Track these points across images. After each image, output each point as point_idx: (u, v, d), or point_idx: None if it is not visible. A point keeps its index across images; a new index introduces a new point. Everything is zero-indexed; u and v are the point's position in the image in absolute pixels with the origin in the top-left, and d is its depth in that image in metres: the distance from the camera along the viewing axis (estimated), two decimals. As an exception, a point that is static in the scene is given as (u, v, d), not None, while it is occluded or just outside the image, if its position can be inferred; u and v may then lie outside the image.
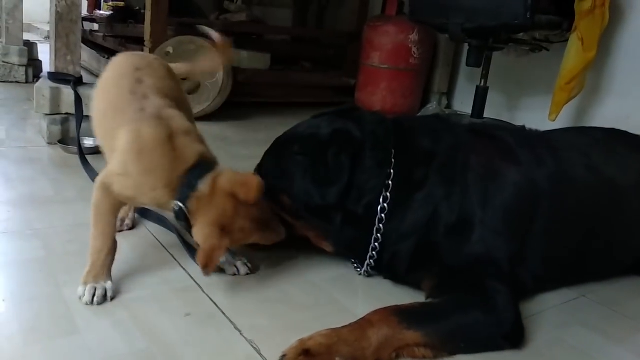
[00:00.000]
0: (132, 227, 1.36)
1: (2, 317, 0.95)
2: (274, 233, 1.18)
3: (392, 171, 1.14)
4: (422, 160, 1.17)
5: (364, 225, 1.16)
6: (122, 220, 1.34)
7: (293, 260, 1.30)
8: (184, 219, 1.04)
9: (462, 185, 1.14)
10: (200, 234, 1.03)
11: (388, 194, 1.14)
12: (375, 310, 0.99)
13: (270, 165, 1.26)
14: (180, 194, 1.03)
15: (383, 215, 1.14)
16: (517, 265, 1.15)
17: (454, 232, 1.12)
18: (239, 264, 1.21)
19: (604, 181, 1.28)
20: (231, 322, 1.02)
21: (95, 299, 1.02)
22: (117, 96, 1.14)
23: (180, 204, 1.03)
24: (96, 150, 1.92)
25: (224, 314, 1.04)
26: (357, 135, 1.17)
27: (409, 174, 1.15)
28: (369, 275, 1.25)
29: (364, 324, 0.96)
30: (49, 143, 1.97)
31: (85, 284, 1.03)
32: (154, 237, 1.34)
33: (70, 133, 1.99)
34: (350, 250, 1.25)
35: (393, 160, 1.15)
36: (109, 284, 1.05)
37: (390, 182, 1.14)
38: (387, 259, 1.18)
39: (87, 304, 1.02)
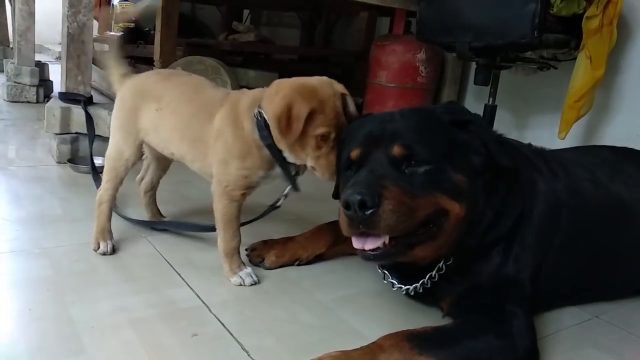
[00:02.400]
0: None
1: (8, 336, 0.95)
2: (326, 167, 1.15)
3: None
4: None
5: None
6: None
7: (300, 279, 1.29)
8: (266, 127, 1.16)
9: (521, 188, 1.12)
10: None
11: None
12: (387, 335, 0.97)
13: (427, 144, 0.99)
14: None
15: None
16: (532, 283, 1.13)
17: (504, 245, 1.10)
18: (243, 273, 1.24)
19: (610, 199, 1.27)
20: (238, 342, 1.01)
21: (255, 278, 1.24)
22: (203, 101, 1.28)
23: (257, 109, 1.17)
24: (105, 169, 1.94)
25: (231, 334, 1.03)
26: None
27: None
28: (414, 293, 1.14)
29: (375, 348, 0.94)
30: (58, 162, 1.98)
31: (236, 273, 1.23)
32: (162, 256, 1.34)
33: (80, 152, 2.01)
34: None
35: None
36: (249, 269, 1.25)
37: None
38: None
39: (251, 284, 1.23)
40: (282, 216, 1.71)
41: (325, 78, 1.18)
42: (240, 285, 1.22)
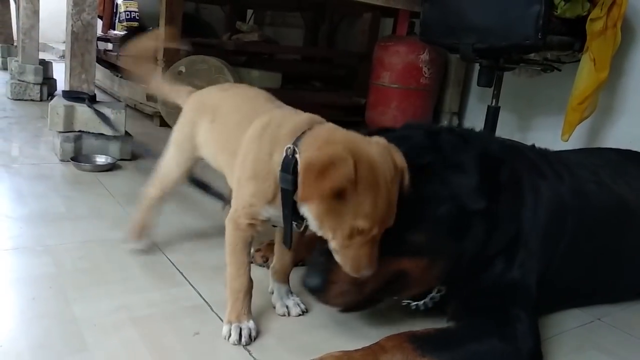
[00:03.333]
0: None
1: (11, 334, 0.95)
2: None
3: None
4: (493, 166, 1.07)
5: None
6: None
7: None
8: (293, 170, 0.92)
9: (522, 198, 1.12)
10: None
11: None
12: (390, 336, 0.97)
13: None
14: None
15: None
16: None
17: (507, 252, 1.09)
18: (291, 303, 1.14)
19: (614, 201, 1.27)
20: (240, 341, 1.01)
21: (243, 339, 1.01)
22: (249, 109, 1.12)
23: (293, 146, 0.93)
24: (109, 168, 1.94)
25: (233, 333, 1.03)
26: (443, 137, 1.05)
27: (495, 176, 1.05)
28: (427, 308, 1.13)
29: (377, 349, 0.94)
30: (61, 160, 1.99)
31: (230, 323, 1.02)
32: (164, 255, 1.34)
33: (83, 150, 2.01)
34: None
35: None
36: (251, 324, 1.03)
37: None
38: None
39: (234, 343, 1.00)
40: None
41: (387, 147, 0.91)
42: (224, 338, 1.01)
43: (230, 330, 1.01)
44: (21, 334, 0.95)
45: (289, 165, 0.92)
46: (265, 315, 1.12)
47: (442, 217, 0.98)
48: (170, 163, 1.29)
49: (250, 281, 1.05)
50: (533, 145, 1.36)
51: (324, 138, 0.91)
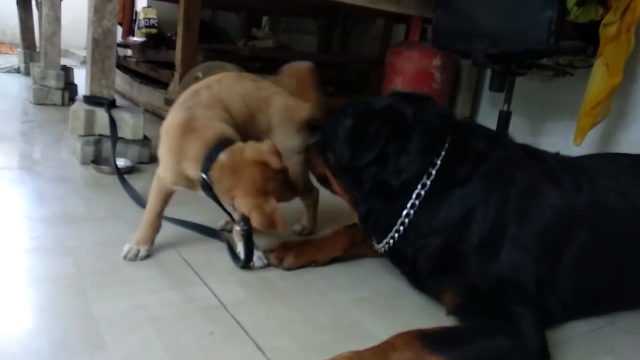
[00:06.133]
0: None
1: (31, 332, 0.98)
2: (293, 191, 1.31)
3: (438, 162, 1.17)
4: (472, 160, 1.18)
5: (393, 203, 1.19)
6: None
7: (316, 281, 1.31)
8: (208, 189, 1.17)
9: (503, 196, 1.14)
10: (244, 203, 1.13)
11: (428, 182, 1.16)
12: (398, 334, 0.98)
13: (328, 124, 1.37)
14: (203, 166, 1.15)
15: (417, 201, 1.16)
16: (546, 293, 1.13)
17: (484, 242, 1.11)
18: (255, 257, 1.32)
19: (634, 208, 1.26)
20: (254, 341, 1.03)
21: (128, 254, 1.29)
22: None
23: (203, 175, 1.15)
24: (128, 171, 1.98)
25: (247, 333, 1.06)
26: (408, 117, 1.21)
27: (454, 169, 1.17)
28: (385, 252, 1.28)
29: (387, 347, 0.95)
30: (82, 163, 2.03)
31: (131, 244, 1.31)
32: (180, 256, 1.37)
33: (103, 153, 2.06)
34: (372, 224, 1.26)
35: (443, 153, 1.17)
36: (146, 247, 1.32)
37: (433, 172, 1.16)
38: (412, 253, 1.19)
39: (130, 260, 1.29)
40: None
41: (260, 151, 1.18)
42: (124, 256, 1.29)
43: (129, 249, 1.30)
44: (41, 332, 0.98)
45: (206, 185, 1.19)
46: (280, 317, 1.14)
47: (337, 155, 1.28)
48: None
49: (157, 220, 1.33)
50: (557, 153, 1.36)
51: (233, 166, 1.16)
